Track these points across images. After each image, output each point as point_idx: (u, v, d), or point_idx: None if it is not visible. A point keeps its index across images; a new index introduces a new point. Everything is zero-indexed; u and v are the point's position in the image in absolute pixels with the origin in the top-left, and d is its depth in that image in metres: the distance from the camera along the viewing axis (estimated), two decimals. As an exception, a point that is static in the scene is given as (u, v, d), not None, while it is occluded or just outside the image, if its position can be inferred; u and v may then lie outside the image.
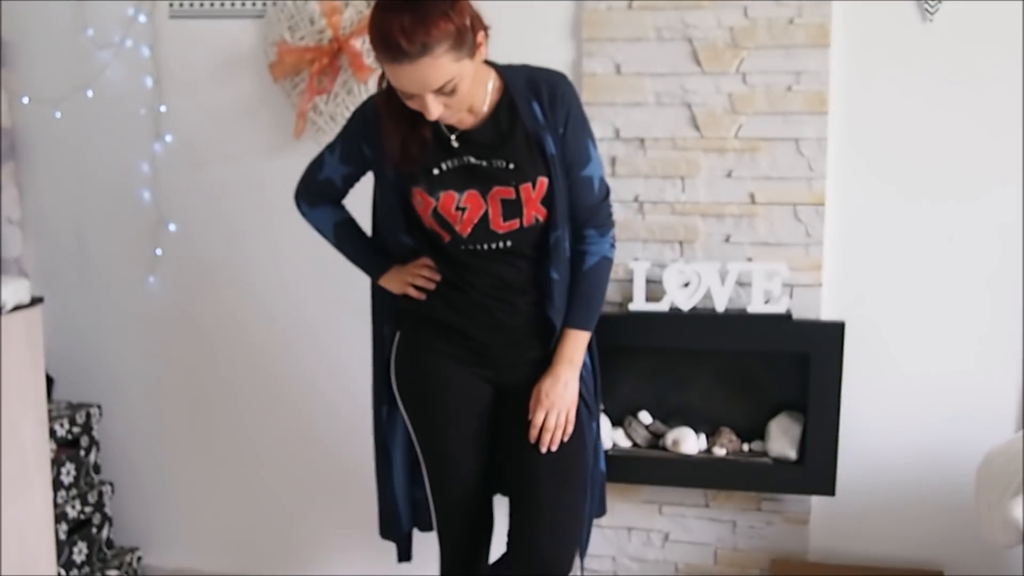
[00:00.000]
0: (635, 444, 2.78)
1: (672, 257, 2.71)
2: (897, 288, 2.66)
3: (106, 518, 3.12)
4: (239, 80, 2.93)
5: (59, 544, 2.86)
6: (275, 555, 3.15)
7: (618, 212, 2.23)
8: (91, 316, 3.16)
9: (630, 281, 2.65)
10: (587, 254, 2.15)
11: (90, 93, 3.01)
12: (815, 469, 2.64)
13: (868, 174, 2.63)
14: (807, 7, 2.55)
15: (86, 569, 3.02)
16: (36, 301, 2.58)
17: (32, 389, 2.58)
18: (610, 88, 2.67)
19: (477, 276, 2.11)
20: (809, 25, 2.55)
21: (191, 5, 2.92)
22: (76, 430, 3.02)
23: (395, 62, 1.82)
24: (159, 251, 3.07)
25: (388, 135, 2.01)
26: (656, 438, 2.79)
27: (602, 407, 2.52)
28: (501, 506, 2.28)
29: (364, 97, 2.28)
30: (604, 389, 2.36)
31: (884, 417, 2.70)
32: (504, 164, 2.02)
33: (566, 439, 2.13)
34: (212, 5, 2.90)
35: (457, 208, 2.04)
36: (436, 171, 2.03)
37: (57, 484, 2.91)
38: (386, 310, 2.27)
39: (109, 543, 3.14)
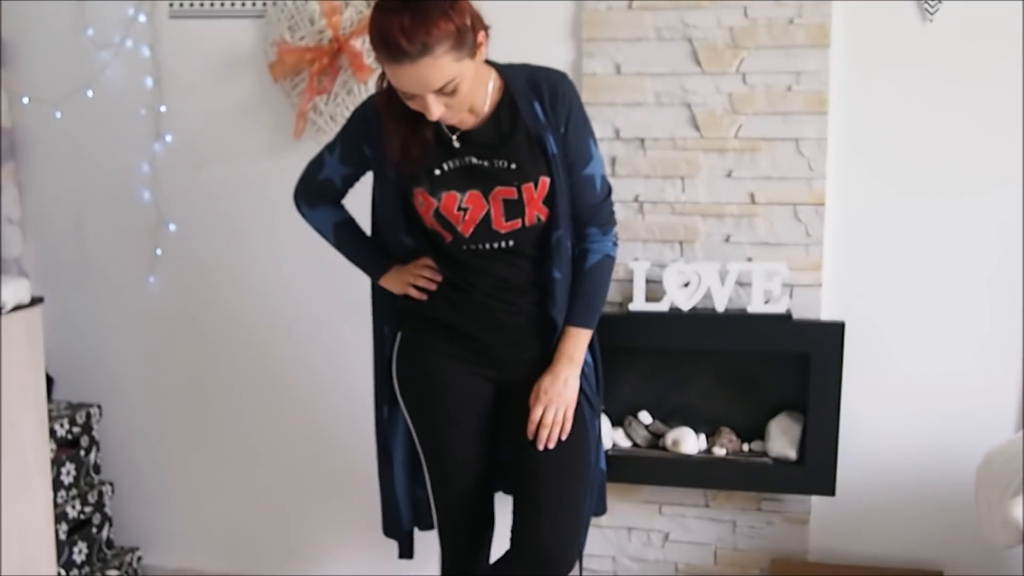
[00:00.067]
0: (635, 444, 2.78)
1: (672, 257, 2.71)
2: (897, 288, 2.66)
3: (106, 518, 3.12)
4: (239, 80, 2.93)
5: (59, 544, 2.86)
6: (275, 555, 3.15)
7: (618, 212, 2.23)
8: (91, 316, 3.16)
9: (630, 281, 2.65)
10: (589, 252, 2.15)
11: (90, 93, 3.01)
12: (815, 469, 2.64)
13: (868, 174, 2.63)
14: (807, 7, 2.55)
15: (86, 569, 3.02)
16: (36, 301, 2.58)
17: (32, 389, 2.58)
18: (610, 88, 2.67)
19: (479, 276, 2.11)
20: (809, 25, 2.55)
21: (191, 5, 2.92)
22: (76, 430, 3.02)
23: (396, 62, 1.82)
24: (159, 251, 3.07)
25: (389, 136, 2.01)
26: (656, 438, 2.80)
27: (602, 406, 2.52)
28: (502, 505, 2.28)
29: (364, 97, 2.28)
30: (604, 389, 2.35)
31: (884, 417, 2.70)
32: (506, 164, 2.02)
33: (563, 437, 2.12)
34: (212, 5, 2.90)
35: (459, 208, 2.04)
36: (438, 172, 2.03)
37: (57, 484, 2.91)
38: (386, 310, 2.27)
39: (109, 543, 3.14)
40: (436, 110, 1.89)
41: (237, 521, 3.17)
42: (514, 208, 2.04)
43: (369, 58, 2.75)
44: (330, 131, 2.79)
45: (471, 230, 2.06)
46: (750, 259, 2.67)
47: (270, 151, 2.94)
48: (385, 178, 2.12)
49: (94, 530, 3.06)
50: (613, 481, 2.63)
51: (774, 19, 2.57)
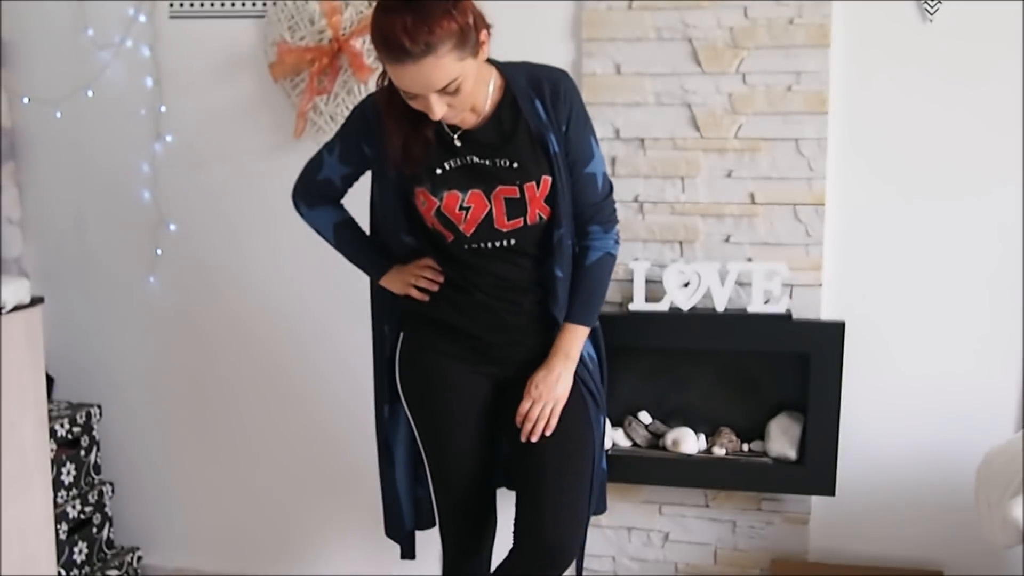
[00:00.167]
0: (635, 444, 2.78)
1: (672, 257, 2.71)
2: (897, 288, 2.66)
3: (106, 518, 3.12)
4: (239, 80, 2.93)
5: (59, 544, 2.86)
6: (275, 555, 3.15)
7: (618, 212, 2.22)
8: (91, 316, 3.16)
9: (630, 281, 2.65)
10: (590, 249, 2.15)
11: (90, 93, 3.01)
12: (815, 469, 2.64)
13: (868, 174, 2.63)
14: (807, 7, 2.55)
15: (86, 569, 3.02)
16: (36, 301, 2.58)
17: (32, 389, 2.58)
18: (610, 88, 2.67)
19: (480, 276, 2.10)
20: (809, 25, 2.55)
21: (191, 5, 2.92)
22: (76, 430, 3.02)
23: (398, 62, 1.82)
24: (159, 251, 3.07)
25: (390, 136, 2.00)
26: (656, 438, 2.80)
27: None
28: (504, 504, 2.28)
29: (364, 97, 2.27)
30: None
31: (884, 417, 2.70)
32: (508, 163, 2.02)
33: (548, 433, 2.12)
34: (212, 5, 2.90)
35: (461, 208, 2.04)
36: (439, 171, 2.03)
37: (57, 484, 2.91)
38: (386, 309, 2.27)
39: (109, 543, 3.14)
40: (439, 110, 1.88)
41: (237, 521, 3.17)
42: (516, 207, 2.04)
43: (369, 58, 2.75)
44: (330, 131, 2.79)
45: (473, 229, 2.06)
46: (750, 259, 2.67)
47: (270, 151, 2.94)
48: (385, 177, 2.11)
49: (94, 530, 3.06)
50: (613, 481, 2.63)
51: (774, 19, 2.57)
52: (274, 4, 2.83)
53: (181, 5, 2.92)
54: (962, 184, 2.59)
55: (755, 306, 2.61)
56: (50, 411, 2.93)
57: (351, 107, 2.75)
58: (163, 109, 2.98)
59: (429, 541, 2.42)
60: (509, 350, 2.16)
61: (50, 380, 3.11)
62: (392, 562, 2.47)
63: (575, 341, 2.15)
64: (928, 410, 2.68)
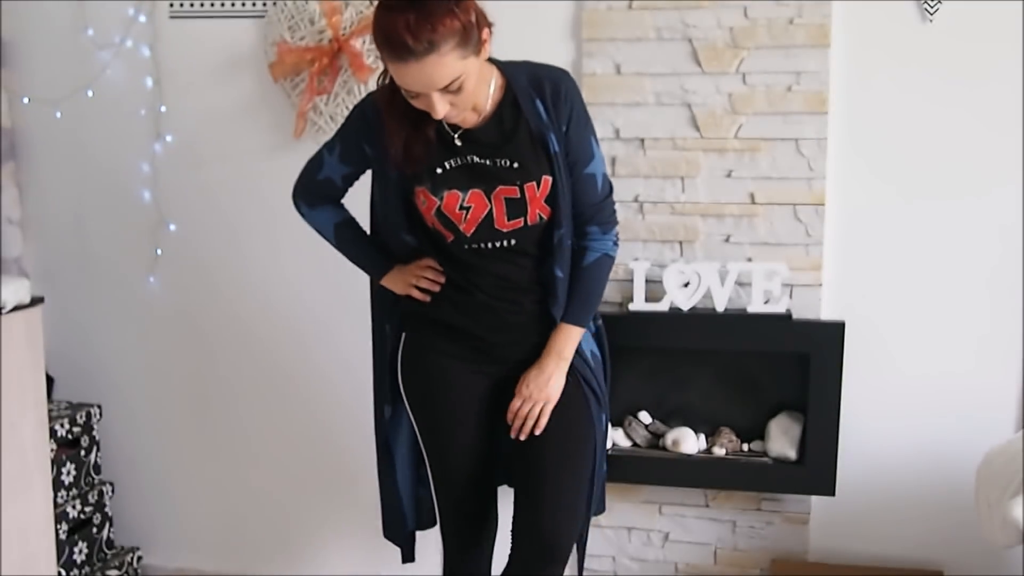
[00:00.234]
0: (635, 444, 2.78)
1: (672, 257, 2.71)
2: (897, 288, 2.66)
3: (106, 518, 3.12)
4: (239, 80, 2.93)
5: (59, 544, 2.86)
6: (275, 555, 3.15)
7: (618, 212, 2.22)
8: (91, 316, 3.16)
9: (630, 281, 2.65)
10: (588, 250, 2.14)
11: (90, 93, 3.01)
12: (815, 469, 2.64)
13: (868, 174, 2.63)
14: (807, 7, 2.55)
15: (86, 569, 3.02)
16: (36, 301, 2.58)
17: (32, 389, 2.58)
18: (610, 88, 2.67)
19: (481, 276, 2.10)
20: (809, 25, 2.55)
21: (191, 5, 2.92)
22: (76, 430, 3.02)
23: (401, 61, 1.81)
24: (159, 251, 3.07)
25: (391, 136, 2.00)
26: (656, 438, 2.80)
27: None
28: (505, 503, 2.28)
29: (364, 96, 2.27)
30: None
31: (884, 417, 2.71)
32: (508, 163, 2.01)
33: (537, 432, 2.12)
34: (212, 5, 2.90)
35: (461, 207, 2.04)
36: (439, 170, 2.03)
37: (57, 484, 2.91)
38: (387, 309, 2.27)
39: (109, 543, 3.14)
40: (441, 108, 1.88)
41: (237, 521, 3.17)
42: (516, 207, 2.04)
43: (369, 58, 2.75)
44: (330, 131, 2.79)
45: (473, 229, 2.06)
46: (750, 259, 2.67)
47: (270, 151, 2.94)
48: (386, 177, 2.11)
49: (94, 530, 3.06)
50: (613, 481, 2.63)
51: (774, 19, 2.57)
52: (274, 4, 2.83)
53: (181, 5, 2.92)
54: (962, 184, 2.59)
55: (755, 306, 2.61)
56: (50, 411, 2.93)
57: (351, 107, 2.75)
58: (163, 109, 2.98)
59: (428, 542, 2.42)
60: (510, 349, 2.16)
61: (50, 380, 3.11)
62: (391, 562, 2.47)
63: (569, 341, 2.14)
64: (928, 410, 2.68)
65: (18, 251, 3.11)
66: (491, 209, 2.04)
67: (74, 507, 2.97)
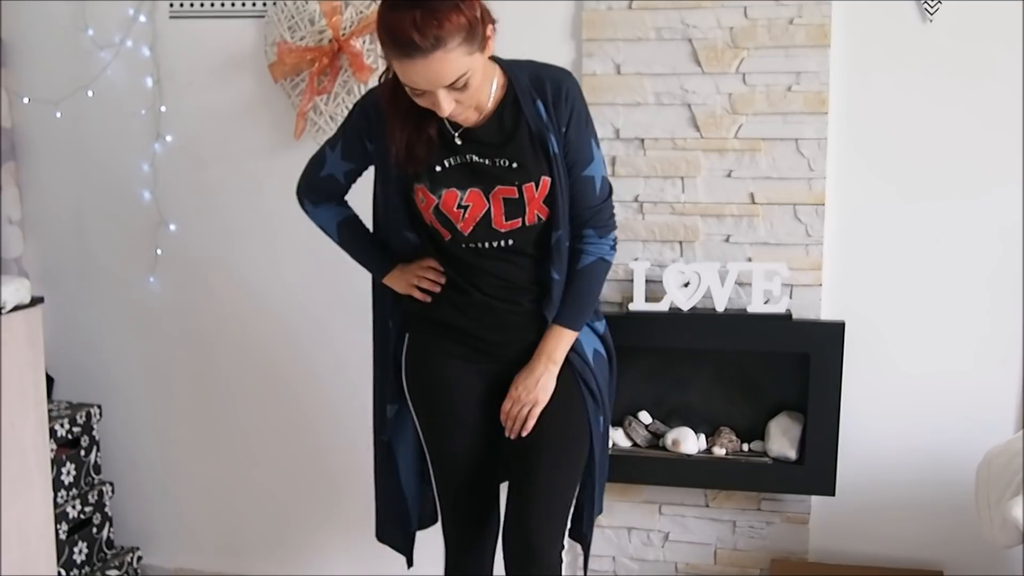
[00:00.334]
0: (635, 444, 2.78)
1: (672, 257, 2.71)
2: (897, 288, 2.66)
3: (106, 518, 3.12)
4: (239, 80, 2.93)
5: (59, 544, 2.86)
6: (275, 555, 3.16)
7: (618, 212, 2.22)
8: (91, 316, 3.16)
9: (630, 281, 2.65)
10: (583, 253, 2.13)
11: (90, 93, 3.01)
12: (815, 469, 2.64)
13: (868, 174, 2.63)
14: (807, 7, 2.55)
15: (86, 569, 3.02)
16: (36, 301, 2.58)
17: (32, 389, 2.58)
18: (610, 88, 2.68)
19: (479, 276, 2.10)
20: (809, 25, 2.55)
21: (191, 5, 2.92)
22: (76, 430, 3.02)
23: (407, 57, 1.80)
24: (159, 251, 3.07)
25: (392, 134, 1.99)
26: (656, 438, 2.80)
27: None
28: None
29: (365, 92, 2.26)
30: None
31: (884, 417, 2.70)
32: (507, 163, 2.01)
33: (524, 433, 2.12)
34: (212, 5, 2.90)
35: (459, 206, 2.03)
36: (438, 168, 2.02)
37: (57, 484, 2.91)
38: (389, 306, 2.26)
39: (109, 543, 3.14)
40: (447, 106, 1.87)
41: (237, 521, 3.17)
42: (515, 207, 2.04)
43: (369, 58, 2.75)
44: (330, 131, 2.78)
45: (471, 228, 2.05)
46: (750, 259, 2.67)
47: (270, 151, 2.94)
48: (387, 173, 2.10)
49: (94, 530, 3.06)
50: (613, 481, 2.62)
51: (774, 19, 2.57)
52: (274, 4, 2.83)
53: (181, 5, 2.92)
54: (962, 184, 2.59)
55: (755, 306, 2.61)
56: (50, 411, 2.93)
57: (351, 107, 2.76)
58: (163, 109, 2.98)
59: (427, 542, 2.42)
60: (509, 349, 2.16)
61: (50, 380, 3.11)
62: (391, 562, 2.47)
63: (560, 343, 2.13)
64: (928, 410, 2.68)
65: (18, 251, 3.11)
66: (489, 209, 2.03)
67: (74, 507, 2.97)
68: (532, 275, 2.12)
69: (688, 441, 2.73)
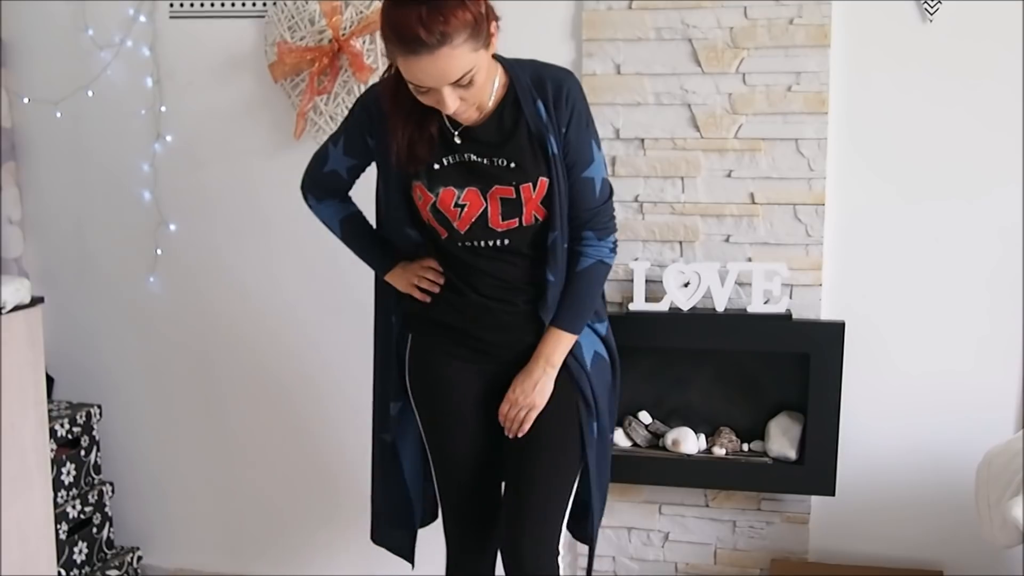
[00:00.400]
0: (635, 444, 2.78)
1: (672, 257, 2.71)
2: (897, 288, 2.66)
3: (106, 518, 3.12)
4: (239, 80, 2.93)
5: (59, 544, 2.86)
6: (275, 555, 3.16)
7: (618, 212, 2.22)
8: (91, 316, 3.16)
9: (630, 281, 2.65)
10: (582, 256, 2.11)
11: (90, 93, 3.01)
12: (815, 469, 2.64)
13: (868, 174, 2.63)
14: (807, 7, 2.55)
15: (86, 569, 3.02)
16: (36, 301, 2.58)
17: (32, 389, 2.58)
18: (610, 88, 2.68)
19: (475, 275, 2.09)
20: (809, 25, 2.55)
21: (191, 5, 2.92)
22: (76, 430, 3.02)
23: (413, 54, 1.79)
24: (159, 251, 3.07)
25: (394, 132, 1.98)
26: (656, 438, 2.80)
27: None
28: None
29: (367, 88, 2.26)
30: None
31: (884, 417, 2.71)
32: (506, 163, 2.00)
33: (521, 434, 2.12)
34: (212, 5, 2.90)
35: (456, 205, 2.03)
36: (436, 166, 2.02)
37: (57, 484, 2.91)
38: (392, 302, 2.24)
39: (109, 543, 3.14)
40: (451, 103, 1.86)
41: (237, 521, 3.17)
42: (512, 207, 2.03)
43: (369, 58, 2.75)
44: (330, 131, 2.77)
45: (467, 227, 2.04)
46: (750, 259, 2.67)
47: (270, 151, 2.94)
48: (388, 170, 2.09)
49: (94, 530, 3.06)
50: (613, 481, 2.62)
51: (774, 19, 2.57)
52: (274, 4, 2.83)
53: (181, 5, 2.92)
54: (962, 184, 2.59)
55: (755, 306, 2.61)
56: (50, 411, 2.93)
57: (353, 103, 2.76)
58: (163, 109, 2.98)
59: (428, 542, 2.42)
60: (508, 349, 2.15)
61: (50, 380, 3.11)
62: (391, 562, 2.47)
63: (558, 347, 2.11)
64: (928, 410, 2.69)
65: (18, 251, 3.11)
66: (486, 208, 2.02)
67: (74, 507, 2.97)
68: (528, 275, 2.10)
69: (688, 441, 2.73)
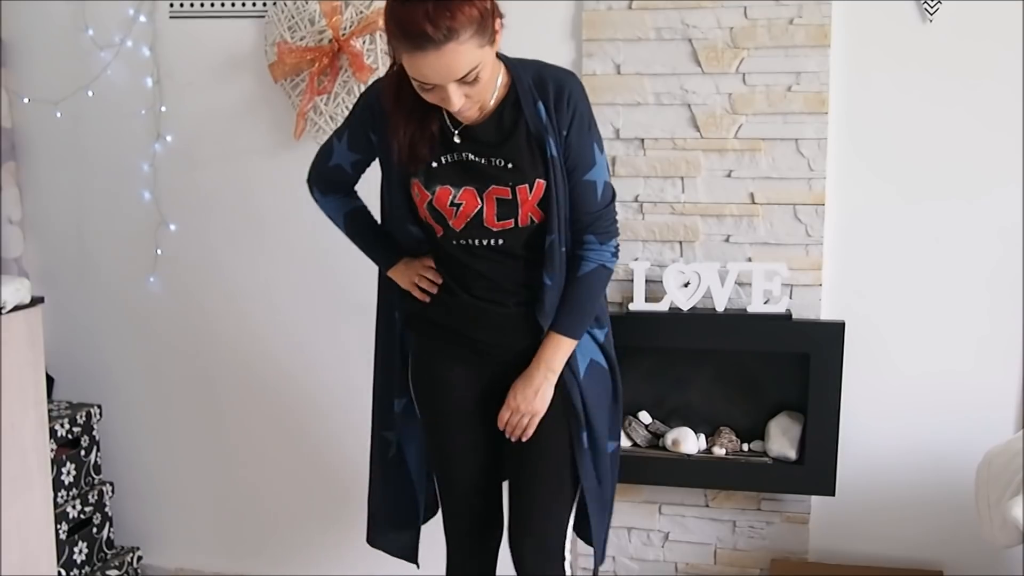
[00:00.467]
0: (635, 444, 2.78)
1: (672, 257, 2.71)
2: (897, 288, 2.66)
3: (106, 518, 3.12)
4: (239, 80, 2.93)
5: (59, 544, 2.86)
6: (275, 555, 3.16)
7: (618, 212, 2.21)
8: (91, 316, 3.16)
9: (630, 281, 2.65)
10: (584, 260, 2.08)
11: (90, 93, 3.01)
12: (815, 469, 2.64)
13: (868, 174, 2.63)
14: (807, 7, 2.55)
15: (86, 569, 3.02)
16: (36, 301, 2.58)
17: (32, 389, 2.58)
18: (610, 88, 2.68)
19: (469, 277, 2.08)
20: (809, 25, 2.55)
21: (191, 5, 2.92)
22: (76, 430, 3.02)
23: (419, 50, 1.78)
24: (159, 251, 3.07)
25: (395, 131, 1.98)
26: (656, 438, 2.80)
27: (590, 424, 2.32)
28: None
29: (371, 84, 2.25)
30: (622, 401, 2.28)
31: (884, 417, 2.71)
32: (503, 163, 1.99)
33: (524, 439, 2.12)
34: (212, 5, 2.90)
35: (452, 203, 2.02)
36: (434, 164, 2.01)
37: (57, 484, 2.91)
38: (396, 298, 2.23)
39: (109, 543, 3.14)
40: (457, 100, 1.85)
41: (237, 521, 3.17)
42: (507, 208, 2.01)
43: (369, 58, 2.75)
44: (330, 131, 2.77)
45: (462, 226, 2.03)
46: (750, 259, 2.67)
47: (270, 151, 2.94)
48: (390, 167, 2.09)
49: (94, 530, 3.06)
50: (613, 481, 2.63)
51: (774, 19, 2.57)
52: (274, 4, 2.83)
53: (181, 5, 2.92)
54: (962, 184, 2.59)
55: (755, 306, 2.61)
56: (50, 411, 2.93)
57: (351, 107, 2.76)
58: (163, 109, 2.98)
59: (428, 542, 2.42)
60: (503, 351, 2.13)
61: (50, 380, 3.11)
62: (391, 563, 2.47)
63: (559, 352, 2.09)
64: (928, 410, 2.68)
65: (18, 251, 3.11)
66: (482, 207, 2.01)
67: (74, 507, 2.97)
68: (521, 277, 2.08)
69: (688, 441, 2.73)
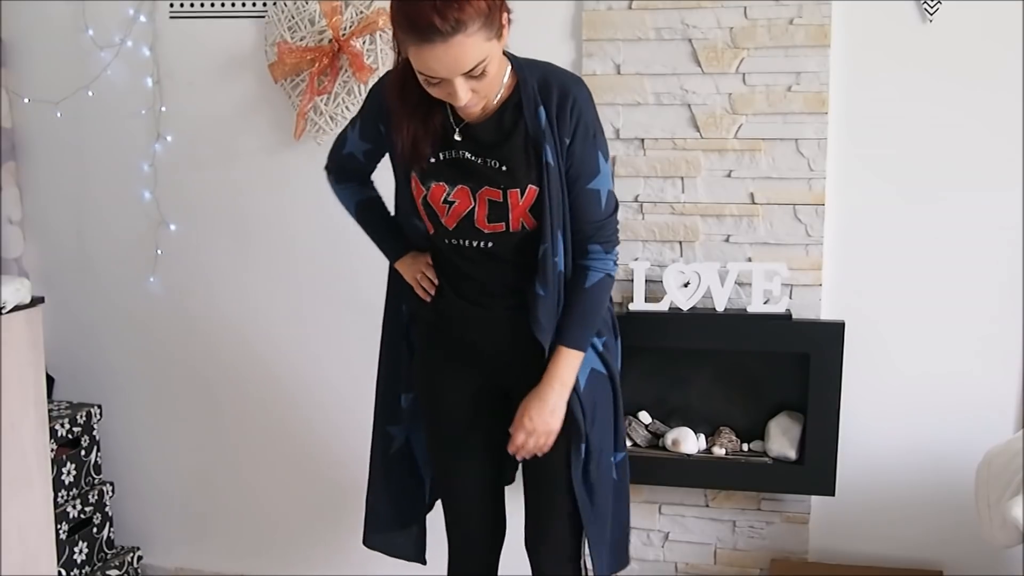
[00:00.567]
0: (635, 444, 2.78)
1: (672, 257, 2.71)
2: (897, 288, 2.66)
3: (106, 518, 3.12)
4: (239, 80, 2.93)
5: (59, 544, 2.86)
6: (275, 555, 3.16)
7: (619, 212, 2.20)
8: (91, 316, 3.16)
9: (630, 281, 2.65)
10: (590, 270, 2.04)
11: (90, 93, 3.01)
12: (815, 469, 2.64)
13: (868, 174, 2.63)
14: (807, 7, 2.55)
15: (86, 569, 3.02)
16: (36, 301, 2.58)
17: (32, 389, 2.58)
18: (610, 88, 2.68)
19: (459, 278, 2.08)
20: (809, 25, 2.55)
21: (191, 5, 2.92)
22: (76, 430, 3.02)
23: (427, 42, 1.76)
24: (159, 251, 3.07)
25: (399, 127, 1.97)
26: (656, 438, 2.80)
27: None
28: (512, 507, 2.28)
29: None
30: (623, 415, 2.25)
31: (884, 417, 2.70)
32: (497, 165, 1.96)
33: (540, 454, 2.08)
34: (212, 5, 2.90)
35: (445, 201, 2.00)
36: (432, 160, 2.00)
37: (57, 484, 2.91)
38: (404, 290, 2.22)
39: (109, 543, 3.14)
40: (463, 95, 1.83)
41: (237, 521, 3.17)
42: (498, 210, 1.98)
43: (369, 58, 2.75)
44: (330, 131, 2.79)
45: (454, 224, 2.02)
46: (750, 259, 2.67)
47: (270, 151, 2.94)
48: (396, 161, 2.09)
49: (94, 530, 3.06)
50: (613, 481, 2.63)
51: (774, 19, 2.57)
52: (274, 4, 2.83)
53: (181, 5, 2.92)
54: (962, 184, 2.59)
55: (755, 306, 2.61)
56: (50, 411, 2.93)
57: (352, 108, 2.77)
58: (163, 109, 2.98)
59: (428, 542, 2.42)
60: (497, 356, 2.12)
61: (50, 380, 3.11)
62: (391, 563, 2.47)
63: (569, 367, 2.05)
64: (928, 410, 2.68)
65: (18, 251, 3.11)
66: (474, 207, 1.99)
67: (74, 507, 2.97)
68: (510, 283, 2.05)
69: (688, 441, 2.73)
